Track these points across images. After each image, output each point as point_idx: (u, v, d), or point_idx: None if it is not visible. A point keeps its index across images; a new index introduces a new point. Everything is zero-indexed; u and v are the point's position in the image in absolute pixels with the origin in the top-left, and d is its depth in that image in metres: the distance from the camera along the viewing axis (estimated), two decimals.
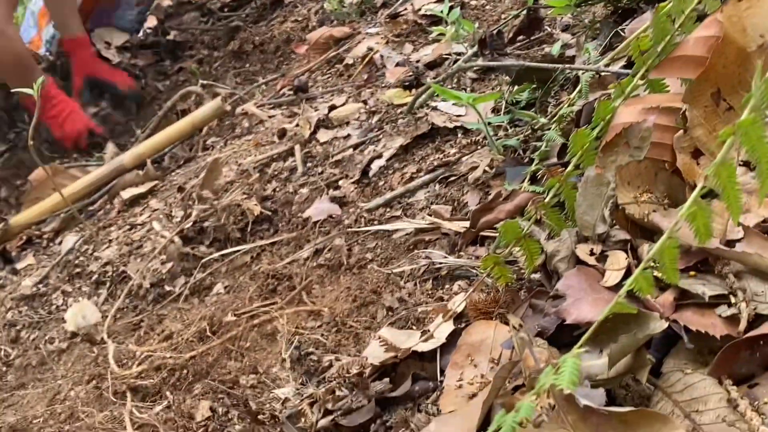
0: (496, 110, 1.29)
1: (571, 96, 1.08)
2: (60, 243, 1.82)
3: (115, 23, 2.60)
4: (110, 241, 1.60)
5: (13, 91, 1.99)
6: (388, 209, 1.25)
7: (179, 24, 2.69)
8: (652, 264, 0.73)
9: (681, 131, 0.81)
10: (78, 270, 1.56)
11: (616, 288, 0.78)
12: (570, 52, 1.38)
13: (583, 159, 0.86)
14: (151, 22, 2.82)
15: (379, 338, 0.88)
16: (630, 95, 0.87)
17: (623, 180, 0.84)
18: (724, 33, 0.79)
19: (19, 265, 1.79)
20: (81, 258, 1.59)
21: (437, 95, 1.43)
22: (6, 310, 1.59)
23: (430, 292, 1.01)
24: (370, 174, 1.37)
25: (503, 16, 1.75)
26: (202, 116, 1.91)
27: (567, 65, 1.12)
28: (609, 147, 0.85)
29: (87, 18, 2.53)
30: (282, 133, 1.66)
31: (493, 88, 1.35)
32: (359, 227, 1.25)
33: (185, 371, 1.10)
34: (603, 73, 1.07)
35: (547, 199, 0.86)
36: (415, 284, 1.04)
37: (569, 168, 0.86)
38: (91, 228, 1.65)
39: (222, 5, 2.71)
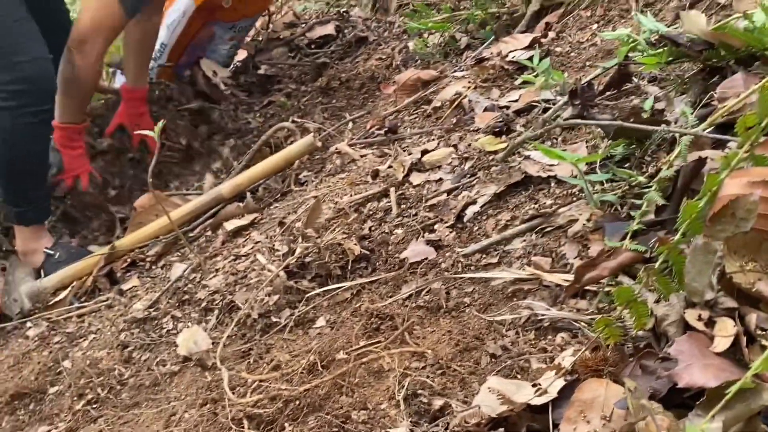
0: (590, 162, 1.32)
1: (670, 157, 1.10)
2: (162, 267, 1.92)
3: (208, 56, 2.71)
4: (217, 270, 1.68)
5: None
6: (484, 255, 1.29)
7: (268, 59, 2.79)
8: (760, 332, 0.75)
9: None
10: (187, 297, 1.64)
11: (725, 354, 0.81)
12: (659, 105, 1.40)
13: (691, 228, 0.89)
14: (241, 55, 2.94)
15: (490, 389, 0.92)
16: (735, 168, 0.90)
17: (730, 249, 0.86)
18: None
19: (124, 286, 1.89)
20: (189, 285, 1.68)
21: (529, 143, 1.47)
22: (118, 331, 1.68)
23: (532, 343, 1.04)
24: (465, 219, 1.41)
25: (588, 64, 1.78)
26: (296, 151, 1.98)
27: (666, 128, 1.15)
28: (716, 217, 0.88)
29: (182, 52, 2.65)
30: (375, 174, 1.71)
31: (587, 141, 1.38)
32: (456, 271, 1.30)
33: (299, 403, 1.16)
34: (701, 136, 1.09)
35: (656, 265, 0.89)
36: (517, 333, 1.08)
37: (678, 236, 0.89)
38: (199, 257, 1.74)
39: (309, 42, 2.81)
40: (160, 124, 1.61)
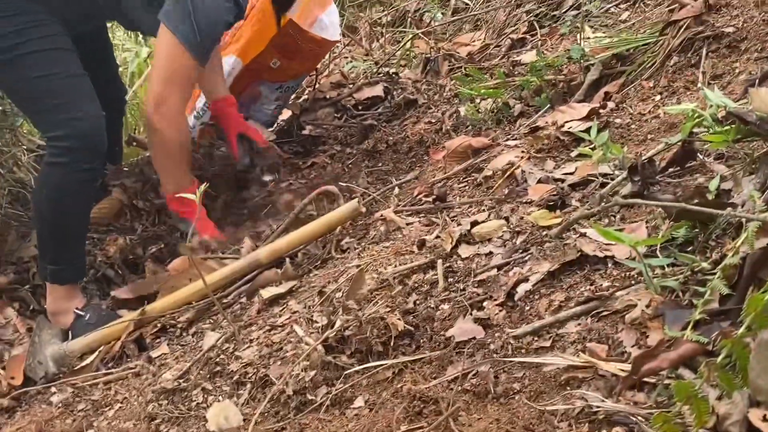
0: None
1: (736, 243, 1.12)
2: (194, 334, 1.96)
3: (253, 115, 2.81)
4: (251, 340, 1.71)
5: (177, 195, 2.20)
6: (536, 338, 1.31)
7: (314, 119, 2.89)
8: None
9: None
10: (219, 368, 1.68)
11: None
12: (726, 185, 1.42)
13: (757, 321, 0.90)
14: (286, 114, 3.04)
15: None
16: None
17: None
18: None
19: (153, 353, 1.94)
20: (222, 356, 1.71)
21: (585, 220, 1.49)
22: (146, 401, 1.72)
23: None
24: (516, 297, 1.43)
25: (649, 137, 1.81)
26: (339, 217, 2.03)
27: (731, 212, 1.16)
28: None
29: None
30: (422, 244, 1.75)
31: (647, 221, 1.40)
32: (506, 353, 1.31)
33: None
34: None
35: (719, 359, 0.90)
36: (570, 425, 1.08)
37: (742, 329, 0.90)
38: (233, 325, 1.78)
39: (356, 103, 2.90)
40: (202, 187, 1.68)
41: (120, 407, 1.76)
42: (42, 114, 2.14)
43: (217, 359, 1.70)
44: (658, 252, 1.29)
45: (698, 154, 1.57)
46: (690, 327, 1.08)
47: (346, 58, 3.78)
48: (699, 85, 1.85)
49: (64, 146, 2.09)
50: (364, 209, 2.04)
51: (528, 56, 2.62)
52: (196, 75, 2.23)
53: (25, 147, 2.79)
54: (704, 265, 1.16)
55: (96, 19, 2.40)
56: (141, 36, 3.88)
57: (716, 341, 0.99)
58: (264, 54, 2.68)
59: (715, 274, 1.12)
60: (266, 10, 2.61)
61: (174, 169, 2.28)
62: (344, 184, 2.27)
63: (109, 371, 1.95)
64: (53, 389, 1.95)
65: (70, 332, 2.18)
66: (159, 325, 2.06)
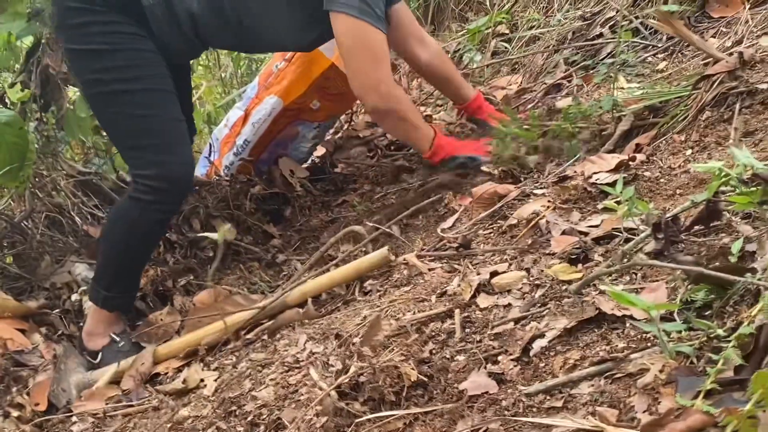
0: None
1: (752, 311, 1.10)
2: (215, 369, 1.98)
3: (289, 153, 2.85)
4: (268, 380, 1.72)
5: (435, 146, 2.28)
6: (548, 397, 1.29)
7: (346, 157, 2.91)
8: None
9: None
10: (234, 407, 1.69)
11: None
12: (750, 247, 1.40)
13: (763, 399, 0.88)
14: (320, 151, 3.08)
15: None
16: None
17: None
18: None
19: (174, 385, 1.96)
20: (239, 394, 1.72)
21: (606, 276, 1.48)
22: None
23: None
24: (531, 353, 1.42)
25: (678, 192, 1.79)
26: (368, 264, 2.04)
27: (746, 278, 1.14)
28: None
29: (264, 148, 2.80)
30: (442, 292, 1.75)
31: (667, 282, 1.38)
32: (517, 411, 1.30)
33: None
34: None
35: None
36: None
37: (749, 406, 0.88)
38: (253, 364, 1.79)
39: (389, 143, 2.92)
40: (226, 227, 1.71)
41: None
42: (136, 151, 2.18)
43: (234, 398, 1.71)
44: (675, 315, 1.27)
45: (726, 213, 1.54)
46: (701, 396, 1.06)
47: None
48: (730, 140, 1.83)
49: (150, 185, 2.13)
50: (393, 257, 2.04)
51: (563, 102, 2.62)
52: (384, 38, 2.18)
53: (65, 172, 2.87)
54: (719, 331, 1.13)
55: (200, 51, 2.46)
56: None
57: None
58: (305, 96, 2.73)
59: (730, 341, 1.10)
60: (309, 54, 2.66)
61: (418, 131, 2.29)
62: (371, 224, 2.27)
63: (130, 403, 1.97)
64: (74, 418, 1.98)
65: (100, 354, 2.22)
66: (182, 357, 2.09)
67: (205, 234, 1.77)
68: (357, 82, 2.20)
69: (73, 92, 2.78)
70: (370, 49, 2.15)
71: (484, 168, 2.26)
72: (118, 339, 2.20)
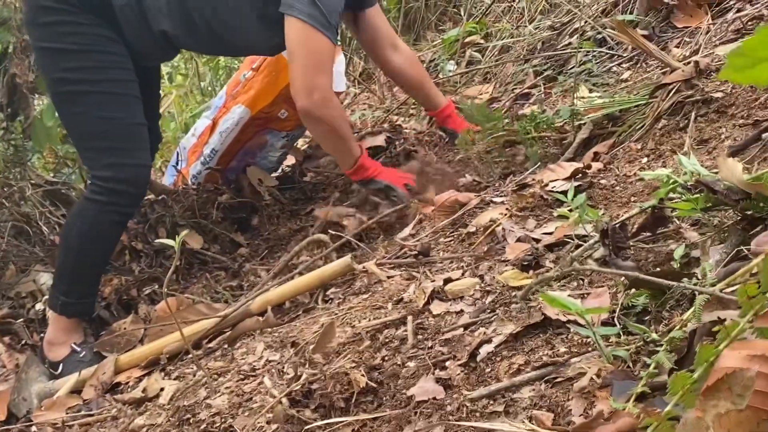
0: (611, 311, 1.33)
1: (684, 316, 1.11)
2: (176, 378, 1.98)
3: (258, 162, 2.86)
4: (223, 389, 1.73)
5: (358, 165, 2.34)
6: (491, 402, 1.30)
7: (316, 166, 2.93)
8: None
9: None
10: (188, 416, 1.69)
11: None
12: (696, 253, 1.42)
13: (683, 400, 0.89)
14: (290, 160, 3.09)
15: None
16: (736, 339, 0.91)
17: (723, 427, 0.86)
18: None
19: (133, 394, 1.96)
20: (195, 402, 1.73)
21: (554, 282, 1.49)
22: None
23: None
24: (478, 358, 1.43)
25: (632, 200, 1.81)
26: (331, 272, 2.05)
27: (681, 285, 1.16)
28: (710, 391, 0.88)
29: (232, 157, 2.81)
30: (398, 299, 1.76)
31: (609, 287, 1.40)
32: (461, 416, 1.31)
33: None
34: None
35: None
36: None
37: (667, 408, 0.89)
38: (207, 371, 1.80)
39: None
40: (182, 234, 1.72)
41: None
42: (93, 152, 2.22)
43: (188, 406, 1.72)
44: (616, 320, 1.29)
45: (675, 219, 1.57)
46: (633, 399, 1.07)
47: (363, 105, 3.84)
48: (685, 148, 1.85)
49: (106, 186, 2.17)
50: (356, 266, 2.05)
51: (529, 110, 2.65)
52: (333, 50, 2.22)
53: (33, 182, 2.87)
54: (654, 336, 1.15)
55: (171, 54, 2.50)
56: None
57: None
58: (272, 105, 2.74)
59: (663, 345, 1.11)
60: (277, 64, 2.68)
61: (345, 144, 2.32)
62: (334, 233, 2.28)
63: (90, 413, 1.97)
64: (33, 428, 1.97)
65: (61, 365, 2.22)
66: (144, 365, 2.09)
67: (162, 240, 1.77)
68: (295, 83, 2.22)
69: (40, 102, 2.78)
70: (313, 54, 2.17)
71: (399, 201, 2.31)
72: (78, 349, 2.21)
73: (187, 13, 2.22)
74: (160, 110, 2.68)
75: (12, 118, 2.73)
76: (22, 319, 2.46)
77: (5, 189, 2.76)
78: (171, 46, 2.33)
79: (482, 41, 3.69)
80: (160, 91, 2.65)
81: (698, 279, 1.25)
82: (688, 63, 2.05)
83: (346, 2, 2.24)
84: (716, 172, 1.49)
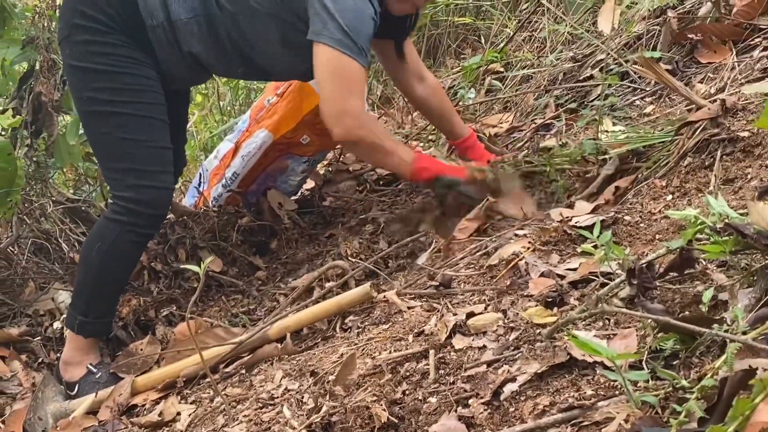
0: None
1: (716, 364, 1.10)
2: (192, 402, 1.97)
3: (278, 186, 2.87)
4: (241, 417, 1.72)
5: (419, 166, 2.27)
6: None
7: (335, 191, 2.93)
8: None
9: None
10: None
11: None
12: (723, 296, 1.40)
13: None
14: (309, 184, 3.10)
15: None
16: None
17: None
18: None
19: (150, 418, 1.95)
20: (212, 429, 1.72)
21: (579, 322, 1.48)
22: None
23: None
24: (502, 397, 1.41)
25: (657, 237, 1.80)
26: (350, 300, 2.04)
27: (712, 332, 1.15)
28: None
29: (253, 181, 2.82)
30: (419, 331, 1.75)
31: (637, 329, 1.38)
32: None
33: None
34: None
35: None
36: None
37: None
38: (225, 398, 1.79)
39: (378, 177, 2.94)
40: (208, 260, 1.72)
41: None
42: (117, 172, 2.23)
43: None
44: (644, 364, 1.27)
45: (702, 261, 1.55)
46: None
47: None
48: (711, 187, 1.84)
49: (127, 207, 2.18)
50: (375, 294, 2.04)
51: (551, 142, 2.64)
52: (364, 74, 2.21)
53: (54, 199, 2.88)
54: (684, 382, 1.14)
55: (203, 78, 2.53)
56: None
57: None
58: (295, 130, 2.76)
59: (693, 392, 1.10)
60: (301, 90, 2.69)
61: (392, 158, 2.27)
62: (353, 260, 2.28)
63: None
64: None
65: (77, 385, 2.22)
66: (160, 389, 2.09)
67: (187, 266, 1.77)
68: (324, 111, 2.21)
69: (63, 120, 2.80)
70: (343, 78, 2.16)
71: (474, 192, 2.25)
72: (95, 370, 2.20)
73: (216, 34, 2.23)
74: None
75: (36, 136, 2.75)
76: (39, 337, 2.46)
77: (26, 205, 2.77)
78: (202, 68, 2.34)
79: (502, 69, 3.70)
80: (188, 115, 2.67)
81: (728, 325, 1.23)
82: (714, 101, 2.05)
83: (384, 32, 2.24)
84: (744, 214, 1.48)
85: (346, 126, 2.18)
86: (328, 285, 2.22)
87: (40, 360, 2.39)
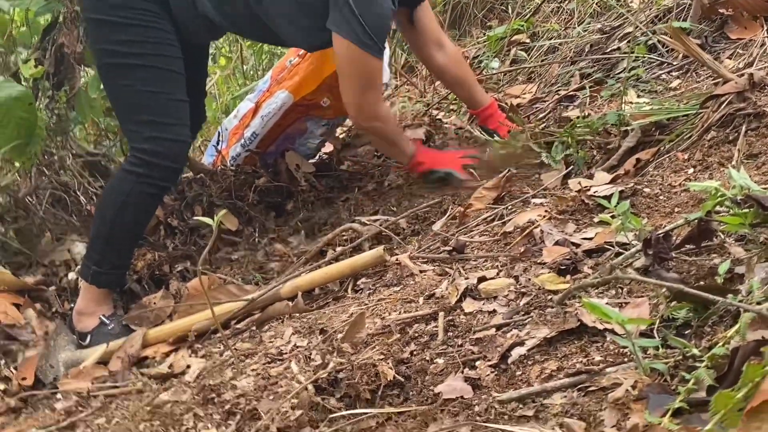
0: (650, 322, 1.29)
1: (728, 333, 1.08)
2: (203, 356, 1.98)
3: (296, 148, 2.85)
4: (249, 371, 1.72)
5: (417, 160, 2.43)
6: (520, 405, 1.28)
7: (353, 155, 2.91)
8: None
9: None
10: (213, 395, 1.68)
11: None
12: (740, 269, 1.37)
13: (726, 419, 0.86)
14: (328, 147, 3.08)
15: None
16: None
17: None
18: None
19: (159, 369, 1.96)
20: (220, 382, 1.72)
21: (590, 289, 1.46)
22: (139, 420, 1.73)
23: None
24: (509, 360, 1.41)
25: (676, 210, 1.77)
26: (363, 263, 2.03)
27: (726, 300, 1.12)
28: (755, 412, 0.85)
29: (272, 141, 2.80)
30: (430, 294, 1.74)
31: (650, 298, 1.36)
32: (488, 417, 1.29)
33: None
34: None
35: None
36: None
37: (708, 426, 0.86)
38: (234, 352, 1.79)
39: None
40: (221, 214, 1.71)
41: (116, 422, 1.78)
42: (135, 124, 2.23)
43: (214, 386, 1.71)
44: (655, 332, 1.26)
45: (719, 233, 1.52)
46: (669, 414, 1.04)
47: (402, 98, 3.81)
48: (734, 161, 1.81)
49: (144, 159, 2.18)
50: (388, 257, 2.03)
51: (574, 113, 2.60)
52: (379, 66, 2.30)
53: (73, 152, 2.88)
54: (695, 351, 1.12)
55: (217, 35, 2.57)
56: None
57: None
58: (316, 93, 2.73)
59: (704, 361, 1.08)
60: (323, 53, 2.66)
61: (397, 148, 2.47)
62: (368, 222, 2.27)
63: (115, 384, 1.98)
64: (59, 395, 1.98)
65: (89, 336, 2.23)
66: (171, 342, 2.10)
67: (201, 218, 1.76)
68: (345, 97, 2.36)
69: (86, 74, 2.80)
70: (361, 74, 2.27)
71: (462, 182, 2.36)
72: (107, 321, 2.21)
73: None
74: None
75: (57, 88, 2.74)
76: (54, 287, 2.47)
77: (46, 157, 2.77)
78: (216, 27, 2.33)
79: (528, 40, 3.64)
80: (207, 71, 2.65)
81: (743, 296, 1.21)
82: (742, 75, 2.00)
83: (400, 1, 2.23)
84: (766, 188, 1.44)
85: (362, 116, 2.37)
86: (339, 249, 2.22)
87: (54, 309, 2.41)
